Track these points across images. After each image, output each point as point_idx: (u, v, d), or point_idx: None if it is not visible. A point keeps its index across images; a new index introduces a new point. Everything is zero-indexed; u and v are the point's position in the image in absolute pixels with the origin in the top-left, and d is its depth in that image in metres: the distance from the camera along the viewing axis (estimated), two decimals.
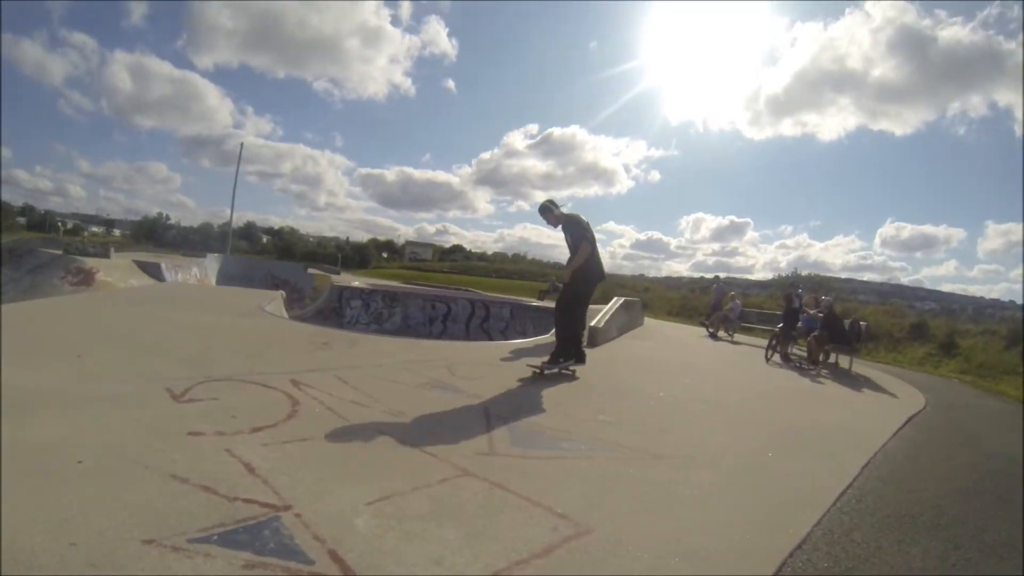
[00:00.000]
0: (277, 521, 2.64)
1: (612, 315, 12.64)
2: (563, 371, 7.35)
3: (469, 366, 7.30)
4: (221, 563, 2.29)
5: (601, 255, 7.79)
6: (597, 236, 7.76)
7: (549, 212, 7.64)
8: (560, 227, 7.59)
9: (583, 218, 7.61)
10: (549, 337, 11.65)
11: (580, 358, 7.62)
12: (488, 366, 7.80)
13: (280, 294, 15.95)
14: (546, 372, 7.15)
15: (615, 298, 14.32)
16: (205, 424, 3.86)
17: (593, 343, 11.05)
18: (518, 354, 9.05)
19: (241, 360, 6.41)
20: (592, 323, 11.56)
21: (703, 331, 18.84)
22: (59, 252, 30.72)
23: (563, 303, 7.61)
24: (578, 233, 7.44)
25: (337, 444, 3.83)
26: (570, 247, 7.49)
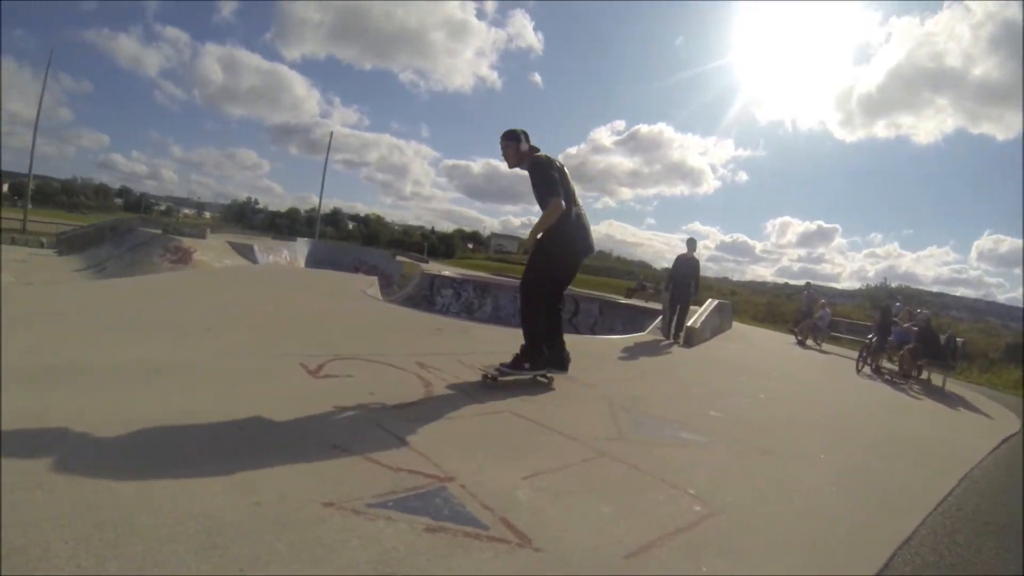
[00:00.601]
0: (445, 491, 2.87)
1: (707, 317, 12.72)
2: (539, 378, 5.70)
3: (582, 357, 7.66)
4: (404, 526, 2.49)
5: (592, 226, 5.84)
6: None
7: (514, 143, 5.54)
8: (526, 169, 5.58)
9: (558, 163, 5.56)
10: (647, 335, 11.99)
11: (558, 362, 5.76)
12: (595, 358, 8.09)
13: (375, 280, 16.59)
14: (501, 380, 5.38)
15: (709, 299, 14.36)
16: (347, 399, 4.15)
17: (689, 343, 11.28)
18: (615, 348, 9.32)
19: (363, 340, 6.87)
20: (689, 323, 11.75)
21: (791, 338, 18.54)
22: (158, 231, 32.38)
23: (527, 284, 5.59)
24: (546, 183, 5.38)
25: (479, 423, 4.15)
26: (538, 202, 5.44)
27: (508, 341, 7.49)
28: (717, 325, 14.00)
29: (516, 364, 5.53)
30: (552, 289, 5.75)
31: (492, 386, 5.22)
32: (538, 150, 5.60)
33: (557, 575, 2.31)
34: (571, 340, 9.77)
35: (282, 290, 10.86)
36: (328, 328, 7.49)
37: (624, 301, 19.20)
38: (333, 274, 19.14)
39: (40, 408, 3.28)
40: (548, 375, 5.76)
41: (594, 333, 14.82)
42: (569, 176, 5.59)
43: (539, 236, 5.47)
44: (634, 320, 15.70)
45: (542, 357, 5.62)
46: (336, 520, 2.46)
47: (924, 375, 12.67)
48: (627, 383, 6.70)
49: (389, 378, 5.05)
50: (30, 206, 48.23)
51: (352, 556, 2.21)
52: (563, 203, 5.31)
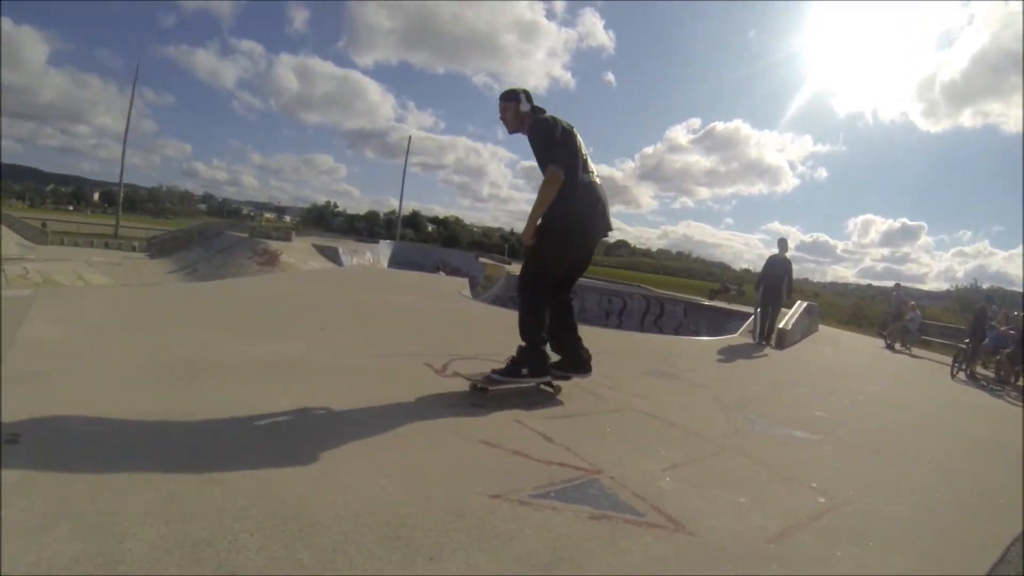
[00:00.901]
0: (597, 482, 3.11)
1: (797, 319, 12.72)
2: (542, 387, 4.98)
3: (681, 358, 7.85)
4: (569, 515, 2.68)
5: (603, 195, 4.80)
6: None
7: (513, 103, 4.78)
8: (526, 134, 4.75)
9: (565, 123, 4.70)
10: (738, 337, 12.07)
11: (576, 364, 5.02)
12: (695, 359, 8.33)
13: (466, 281, 17.05)
14: (493, 389, 4.58)
15: (799, 301, 14.26)
16: (479, 397, 4.46)
17: (781, 345, 11.35)
18: (710, 349, 9.51)
19: (475, 340, 7.33)
20: (780, 325, 11.78)
21: (879, 342, 18.09)
22: (245, 235, 33.70)
23: (527, 278, 4.78)
24: (546, 146, 4.57)
25: (607, 420, 4.46)
26: (542, 173, 4.56)
27: (609, 341, 7.78)
28: (806, 327, 13.96)
29: (512, 371, 4.71)
30: (562, 281, 4.93)
31: (498, 393, 4.60)
32: (542, 111, 4.85)
33: (715, 556, 2.54)
34: (665, 341, 9.98)
35: (378, 291, 11.36)
36: (438, 328, 7.98)
37: (707, 303, 19.26)
38: (424, 275, 19.69)
39: (189, 402, 3.62)
40: (554, 383, 5.01)
41: (678, 335, 14.98)
42: (580, 140, 4.76)
43: (540, 222, 4.60)
44: (718, 322, 15.80)
45: (544, 362, 4.81)
46: (506, 510, 2.67)
47: (1022, 382, 12.19)
48: (731, 383, 6.99)
49: None
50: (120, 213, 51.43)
51: (529, 543, 2.41)
52: (561, 171, 4.45)
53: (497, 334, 7.83)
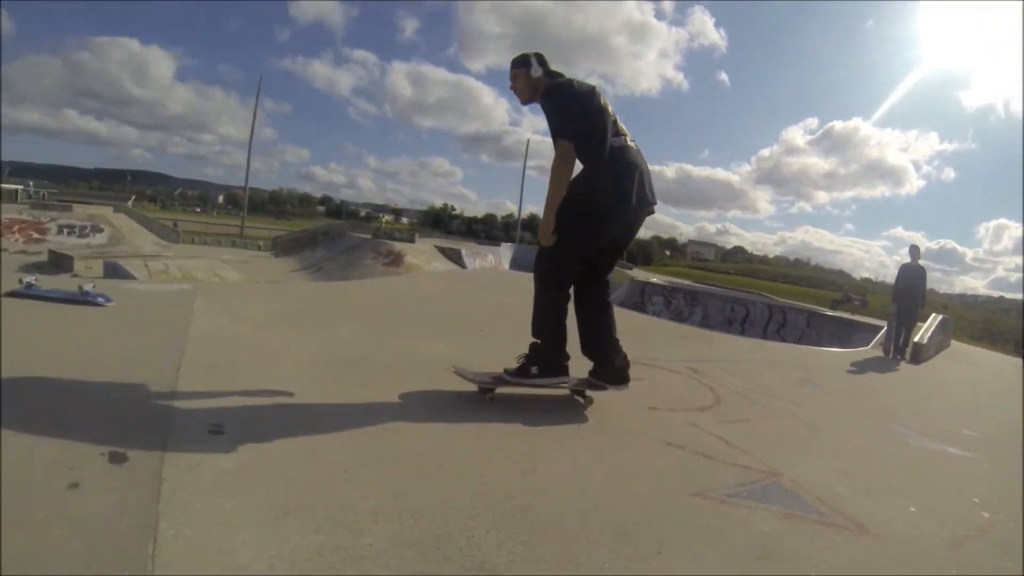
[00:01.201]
0: (779, 485, 3.31)
1: (932, 332, 12.35)
2: (575, 396, 4.52)
3: (818, 369, 7.99)
4: (765, 514, 2.88)
5: (649, 170, 4.17)
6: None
7: (524, 69, 4.21)
8: (540, 102, 4.10)
9: (582, 85, 4.11)
10: (870, 349, 11.90)
11: (609, 374, 4.29)
12: (832, 369, 8.44)
13: None
14: (499, 390, 4.25)
15: (933, 314, 13.78)
16: (655, 401, 4.74)
17: (916, 360, 11.12)
18: (843, 361, 9.51)
19: (630, 345, 7.49)
20: (916, 339, 11.54)
21: (1018, 360, 17.24)
22: (367, 236, 34.88)
23: (543, 272, 4.16)
24: (558, 116, 3.97)
25: (773, 426, 4.73)
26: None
27: (744, 349, 7.98)
28: (939, 342, 13.63)
29: (523, 371, 4.21)
30: (593, 266, 4.27)
31: (503, 397, 4.29)
32: (559, 76, 4.21)
33: (902, 559, 2.73)
34: (796, 351, 9.97)
35: (510, 293, 11.55)
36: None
37: (830, 313, 19.01)
38: None
39: (379, 396, 3.96)
40: (586, 394, 4.46)
41: (800, 345, 14.91)
42: (605, 104, 4.08)
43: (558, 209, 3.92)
44: (842, 333, 15.58)
45: (558, 362, 4.23)
46: (709, 508, 2.89)
47: None
48: (875, 396, 7.12)
49: (672, 381, 5.67)
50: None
51: (738, 539, 2.61)
52: (573, 145, 3.87)
53: (641, 338, 8.15)
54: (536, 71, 4.16)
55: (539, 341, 4.20)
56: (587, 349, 4.33)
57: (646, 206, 4.16)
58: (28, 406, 3.11)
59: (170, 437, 2.92)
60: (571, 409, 4.33)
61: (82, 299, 5.97)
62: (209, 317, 5.92)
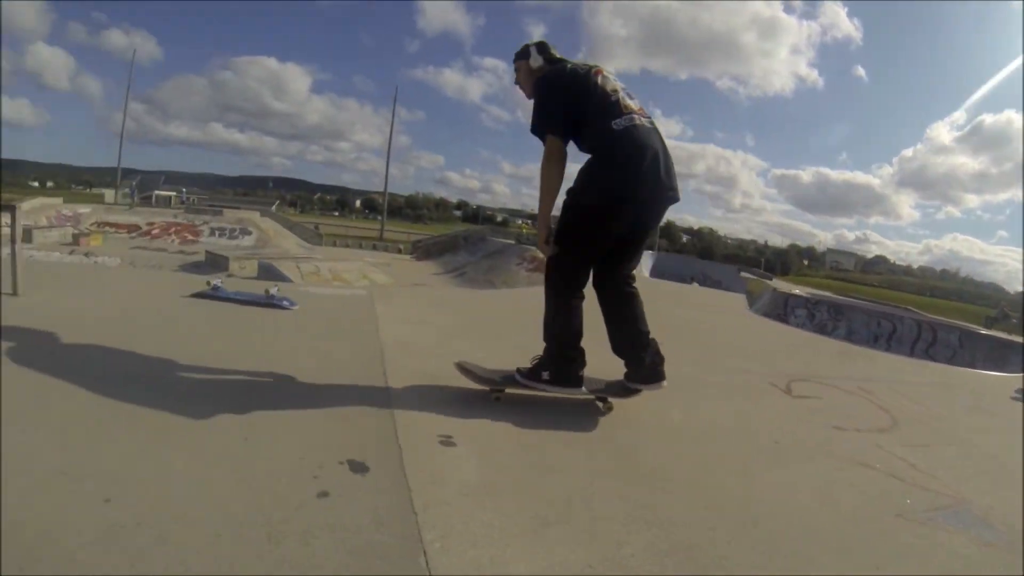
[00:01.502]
0: (969, 511, 3.28)
1: None
2: (597, 402, 4.11)
3: (988, 394, 7.66)
4: (962, 538, 2.93)
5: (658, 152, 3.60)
6: None
7: (524, 61, 4.03)
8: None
9: (580, 66, 3.87)
10: None
11: (640, 374, 3.99)
12: (997, 396, 7.88)
13: (743, 296, 17.34)
14: (508, 391, 4.00)
15: None
16: (835, 419, 4.78)
17: None
18: (1008, 385, 9.08)
19: (795, 361, 7.70)
20: None
21: None
22: (511, 241, 35.48)
23: (550, 268, 3.86)
24: (538, 111, 3.79)
25: (956, 452, 4.57)
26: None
27: (915, 372, 7.93)
28: None
29: (534, 373, 3.90)
30: (612, 254, 3.90)
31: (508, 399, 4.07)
32: (564, 63, 3.92)
33: None
34: (956, 373, 9.49)
35: (664, 302, 11.40)
36: (754, 344, 8.62)
37: (985, 332, 18.19)
38: (694, 288, 19.94)
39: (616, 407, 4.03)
40: (604, 398, 4.10)
41: (952, 365, 14.37)
42: (603, 78, 3.79)
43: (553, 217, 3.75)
44: (1000, 355, 14.83)
45: (571, 372, 3.89)
46: (910, 529, 2.95)
47: None
48: None
49: (847, 401, 5.61)
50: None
51: (944, 561, 2.67)
52: (559, 139, 3.62)
53: (804, 355, 8.32)
54: (535, 61, 3.96)
55: (557, 339, 3.87)
56: (616, 348, 4.04)
57: (664, 191, 3.71)
58: (255, 410, 3.37)
59: (405, 447, 3.09)
60: (757, 424, 4.56)
61: (268, 302, 6.43)
62: (393, 324, 6.12)
